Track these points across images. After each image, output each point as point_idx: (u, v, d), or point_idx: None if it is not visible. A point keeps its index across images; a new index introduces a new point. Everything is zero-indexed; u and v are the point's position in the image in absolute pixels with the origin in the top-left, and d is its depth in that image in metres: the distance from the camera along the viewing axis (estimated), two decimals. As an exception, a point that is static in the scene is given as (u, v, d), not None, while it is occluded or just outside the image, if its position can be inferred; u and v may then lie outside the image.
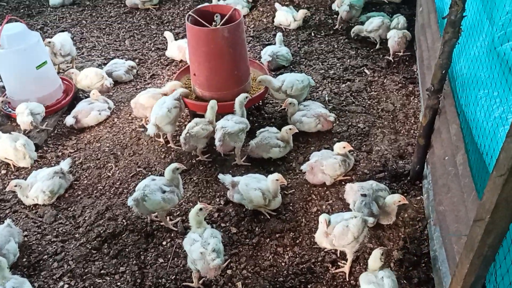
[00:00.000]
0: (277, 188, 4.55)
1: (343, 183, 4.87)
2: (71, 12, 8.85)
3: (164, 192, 4.41)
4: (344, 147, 4.83)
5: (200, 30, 5.16)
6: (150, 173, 5.25)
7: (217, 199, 4.90)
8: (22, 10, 9.08)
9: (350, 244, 3.90)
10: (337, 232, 3.89)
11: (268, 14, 8.29)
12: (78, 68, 6.82)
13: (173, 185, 4.48)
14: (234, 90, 5.50)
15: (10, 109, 6.07)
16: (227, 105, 5.41)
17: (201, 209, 3.96)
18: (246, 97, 5.23)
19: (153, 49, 7.67)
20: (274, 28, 7.91)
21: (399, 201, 4.25)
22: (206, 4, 6.32)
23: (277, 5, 8.04)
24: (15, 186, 4.82)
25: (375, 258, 3.67)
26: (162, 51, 7.52)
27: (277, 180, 4.49)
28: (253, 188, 4.51)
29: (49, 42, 6.56)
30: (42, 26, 8.38)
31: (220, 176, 4.72)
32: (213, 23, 5.37)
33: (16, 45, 5.66)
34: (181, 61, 7.26)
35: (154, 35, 8.01)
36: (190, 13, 5.40)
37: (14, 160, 5.30)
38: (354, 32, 7.15)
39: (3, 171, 5.35)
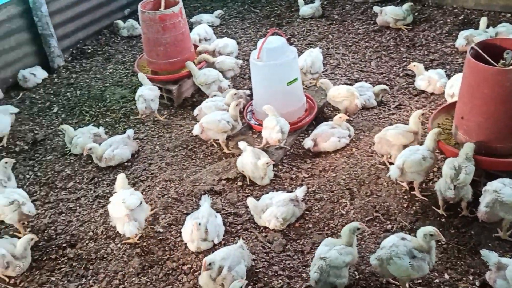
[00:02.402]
0: None
1: None
2: (318, 25, 8.73)
3: (413, 257, 3.72)
4: None
5: (486, 69, 4.26)
6: (388, 222, 4.63)
7: (470, 277, 4.00)
8: (273, 19, 9.33)
9: None
10: None
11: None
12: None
13: (424, 251, 3.76)
14: (510, 144, 4.47)
15: (253, 120, 6.14)
16: (500, 162, 4.43)
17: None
18: None
19: (401, 74, 6.97)
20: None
21: None
22: (493, 37, 5.34)
23: None
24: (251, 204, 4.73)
25: None
26: (411, 78, 6.76)
27: None
28: (529, 281, 3.49)
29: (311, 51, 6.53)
30: (289, 37, 8.44)
31: (483, 252, 3.80)
32: (501, 61, 4.41)
33: (274, 60, 5.61)
34: (432, 94, 6.40)
35: (404, 59, 7.28)
36: (473, 45, 4.53)
37: (251, 176, 5.24)
38: None
39: (239, 183, 5.34)
